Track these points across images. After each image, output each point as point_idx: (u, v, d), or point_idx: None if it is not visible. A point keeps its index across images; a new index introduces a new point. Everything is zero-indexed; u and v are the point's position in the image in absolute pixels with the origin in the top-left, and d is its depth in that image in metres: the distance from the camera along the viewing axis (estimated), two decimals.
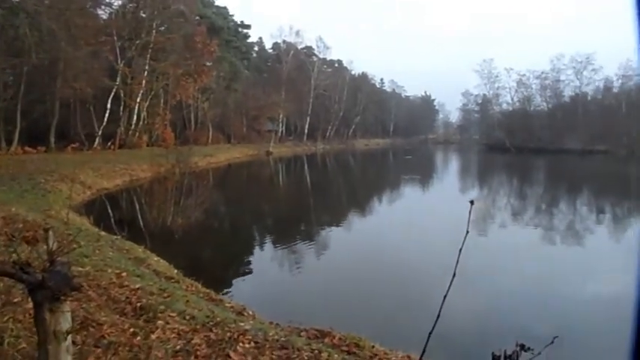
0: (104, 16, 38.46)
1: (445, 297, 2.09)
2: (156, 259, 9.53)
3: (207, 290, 7.84)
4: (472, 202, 2.15)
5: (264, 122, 64.51)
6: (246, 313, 6.78)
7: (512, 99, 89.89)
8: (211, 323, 5.34)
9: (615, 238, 17.97)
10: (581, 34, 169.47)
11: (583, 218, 22.11)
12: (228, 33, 58.32)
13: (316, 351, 4.95)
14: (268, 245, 15.18)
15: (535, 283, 11.59)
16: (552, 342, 2.28)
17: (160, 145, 38.80)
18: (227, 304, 7.12)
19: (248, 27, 66.23)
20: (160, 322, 5.04)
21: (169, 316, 5.30)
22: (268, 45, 79.88)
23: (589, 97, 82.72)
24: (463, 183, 38.71)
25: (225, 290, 9.62)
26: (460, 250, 2.16)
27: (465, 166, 60.12)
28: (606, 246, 16.54)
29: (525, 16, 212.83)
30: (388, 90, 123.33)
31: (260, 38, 79.56)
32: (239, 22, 64.24)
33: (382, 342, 6.23)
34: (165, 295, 6.29)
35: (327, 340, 5.79)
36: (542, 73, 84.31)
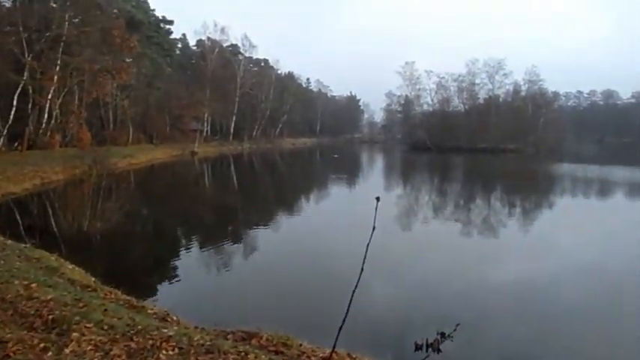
0: (7, 4, 35.64)
1: (353, 292, 2.13)
2: (70, 267, 8.96)
3: (128, 297, 7.49)
4: (378, 199, 2.21)
5: (189, 121, 62.74)
6: (170, 319, 6.57)
7: (432, 100, 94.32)
8: (132, 332, 5.10)
9: (524, 230, 19.33)
10: (494, 38, 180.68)
11: (497, 212, 23.58)
12: (149, 28, 56.08)
13: (243, 353, 4.89)
14: (195, 248, 14.75)
15: (453, 272, 12.31)
16: (455, 329, 2.38)
17: (75, 146, 36.64)
18: (150, 311, 6.84)
19: (170, 22, 64.13)
20: (74, 334, 4.73)
21: (85, 327, 4.99)
22: (192, 42, 77.96)
23: (501, 100, 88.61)
24: (388, 181, 39.83)
25: (149, 296, 9.27)
26: (367, 245, 2.22)
27: (389, 164, 61.91)
28: (517, 237, 17.79)
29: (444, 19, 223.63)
30: (314, 90, 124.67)
31: (183, 35, 77.38)
32: (161, 17, 61.98)
33: (310, 339, 6.28)
34: (81, 305, 5.91)
35: (254, 341, 5.76)
36: (459, 76, 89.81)
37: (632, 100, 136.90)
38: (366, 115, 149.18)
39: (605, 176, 40.94)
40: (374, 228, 2.09)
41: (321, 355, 5.62)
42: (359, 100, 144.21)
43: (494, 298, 10.37)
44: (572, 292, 10.78)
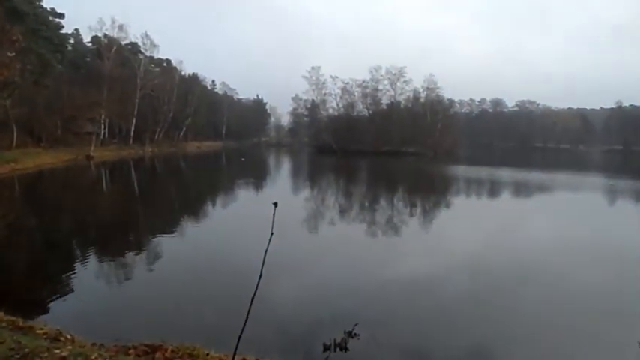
0: None
1: (252, 299, 2.05)
2: None
3: (13, 318, 6.71)
4: (275, 205, 2.16)
5: (84, 124, 58.57)
6: (63, 338, 5.98)
7: (337, 105, 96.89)
8: (17, 356, 4.58)
9: (424, 229, 20.41)
10: (394, 47, 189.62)
11: (399, 212, 24.66)
12: (35, 21, 51.28)
13: None
14: (92, 259, 13.67)
15: (359, 272, 12.74)
16: (353, 329, 2.38)
17: None
18: (39, 331, 6.18)
19: (61, 16, 59.14)
20: None
21: None
22: (87, 38, 72.73)
23: (402, 105, 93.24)
24: (295, 184, 40.09)
25: (39, 315, 8.46)
26: (265, 252, 2.15)
27: (296, 167, 62.40)
28: (417, 235, 18.72)
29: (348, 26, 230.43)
30: (220, 92, 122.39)
31: (76, 30, 72.01)
32: (49, 10, 57.00)
33: (217, 348, 6.13)
34: None
35: (158, 354, 5.47)
36: (363, 81, 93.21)
37: (516, 108, 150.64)
38: (272, 119, 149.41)
39: (495, 177, 44.60)
40: (272, 234, 2.02)
41: None
42: (266, 104, 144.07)
43: (395, 293, 10.82)
44: (460, 285, 11.64)
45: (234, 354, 2.07)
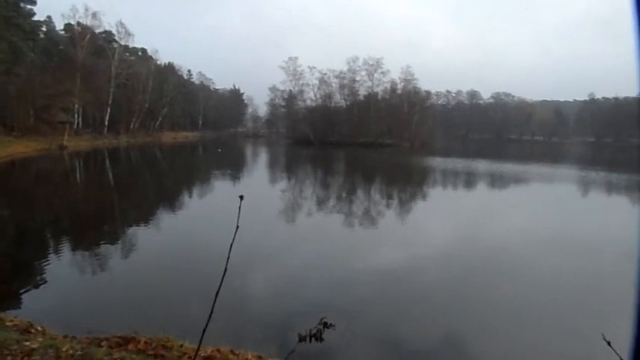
0: None
1: (217, 293, 2.11)
2: None
3: None
4: (242, 197, 2.21)
5: (57, 113, 57.25)
6: (34, 330, 5.96)
7: (315, 95, 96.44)
8: None
9: (400, 220, 20.70)
10: (371, 42, 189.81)
11: (376, 203, 24.90)
12: (6, 7, 49.73)
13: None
14: (66, 250, 13.50)
15: (335, 261, 12.85)
16: (320, 321, 2.44)
17: None
18: (9, 323, 6.14)
19: (33, 2, 57.36)
20: None
21: None
22: (59, 26, 70.82)
23: (379, 97, 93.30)
24: (272, 175, 40.09)
25: (9, 307, 8.35)
26: (230, 245, 2.21)
27: (273, 158, 62.25)
28: (393, 226, 18.96)
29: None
30: (196, 82, 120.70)
31: (49, 17, 70.00)
32: None
33: (192, 339, 6.10)
34: None
35: (131, 346, 5.47)
36: (341, 72, 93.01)
37: (492, 101, 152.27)
38: (250, 110, 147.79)
39: (470, 169, 45.21)
40: (237, 227, 2.08)
41: (202, 354, 5.50)
42: (243, 94, 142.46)
43: (371, 284, 11.00)
44: (434, 275, 11.96)
45: (198, 349, 2.14)
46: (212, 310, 2.06)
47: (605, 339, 1.82)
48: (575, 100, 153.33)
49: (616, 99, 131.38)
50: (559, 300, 10.17)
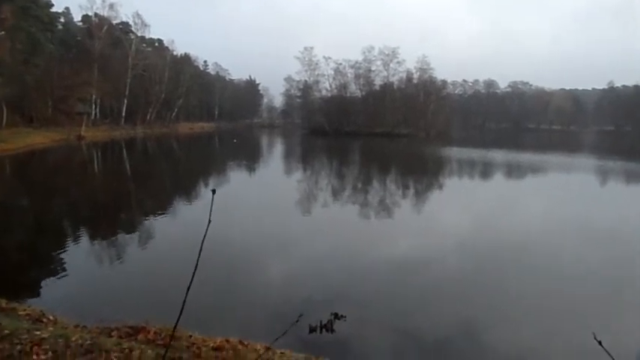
0: None
1: (188, 289, 2.07)
2: None
3: None
4: (214, 191, 2.17)
5: (75, 103, 57.94)
6: (45, 319, 6.04)
7: (330, 86, 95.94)
8: None
9: (417, 209, 20.56)
10: (387, 31, 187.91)
11: (392, 194, 24.76)
12: None
13: (127, 350, 4.64)
14: (84, 239, 13.72)
15: (350, 253, 12.79)
16: (297, 320, 2.42)
17: None
18: (21, 312, 6.24)
19: None
20: None
21: None
22: (77, 17, 71.52)
23: (395, 86, 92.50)
24: (288, 166, 40.10)
25: (26, 296, 8.49)
26: (202, 241, 2.16)
27: (289, 149, 62.27)
28: (410, 217, 18.84)
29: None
30: (212, 73, 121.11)
31: (67, 9, 70.69)
32: None
33: (202, 329, 6.22)
34: None
35: (141, 336, 5.50)
36: (356, 62, 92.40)
37: (509, 90, 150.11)
38: (265, 100, 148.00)
39: (487, 159, 44.69)
40: (209, 222, 2.04)
41: (211, 344, 5.54)
42: (258, 85, 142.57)
43: (385, 274, 10.93)
44: (449, 266, 11.83)
45: (173, 333, 2.13)
46: (182, 307, 2.04)
47: (595, 338, 1.78)
48: (593, 88, 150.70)
49: (636, 87, 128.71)
50: (580, 291, 10.04)
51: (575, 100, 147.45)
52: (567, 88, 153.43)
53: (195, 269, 2.09)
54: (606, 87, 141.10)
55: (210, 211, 2.11)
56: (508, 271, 11.56)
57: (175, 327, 2.21)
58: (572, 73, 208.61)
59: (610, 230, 16.05)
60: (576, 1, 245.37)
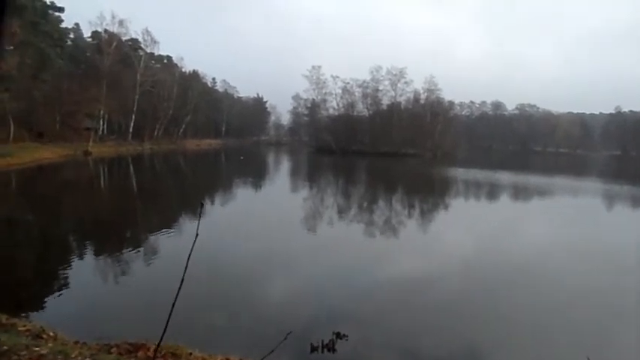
0: None
1: (174, 305, 1.94)
2: None
3: None
4: (202, 205, 2.02)
5: (83, 119, 58.30)
6: (45, 336, 5.92)
7: (337, 104, 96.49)
8: None
9: (421, 230, 20.37)
10: (394, 52, 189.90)
11: (397, 213, 24.54)
12: (34, 14, 50.88)
13: None
14: (88, 256, 13.56)
15: (354, 271, 12.65)
16: (285, 338, 2.33)
17: None
18: (21, 328, 6.10)
19: (61, 10, 58.70)
20: None
21: None
22: (87, 33, 72.37)
23: (402, 106, 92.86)
24: (294, 184, 40.02)
25: (28, 312, 8.36)
26: (189, 255, 2.02)
27: (295, 167, 62.36)
28: (415, 237, 18.60)
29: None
30: (220, 90, 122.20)
31: (77, 25, 71.58)
32: (49, 3, 56.63)
33: (202, 348, 6.14)
34: None
35: (140, 353, 5.42)
36: (364, 82, 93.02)
37: (516, 112, 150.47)
38: (272, 118, 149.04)
39: (493, 180, 44.49)
40: (197, 235, 1.89)
41: None
42: (266, 102, 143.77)
43: (388, 295, 10.77)
44: (452, 288, 11.64)
45: (157, 347, 1.96)
46: (167, 323, 1.91)
47: None
48: (600, 112, 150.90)
49: None
50: (580, 317, 9.78)
51: (582, 123, 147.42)
52: (575, 111, 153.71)
53: (180, 284, 1.98)
54: (613, 111, 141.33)
55: (198, 223, 1.97)
56: (511, 294, 11.37)
57: (160, 342, 2.07)
58: (579, 96, 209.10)
59: (617, 256, 15.77)
60: (584, 26, 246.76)
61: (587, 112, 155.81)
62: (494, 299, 10.84)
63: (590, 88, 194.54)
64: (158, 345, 2.04)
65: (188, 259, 1.84)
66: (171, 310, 1.86)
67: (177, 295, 1.85)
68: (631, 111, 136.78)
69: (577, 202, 31.95)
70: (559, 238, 18.90)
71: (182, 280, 1.87)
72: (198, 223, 1.84)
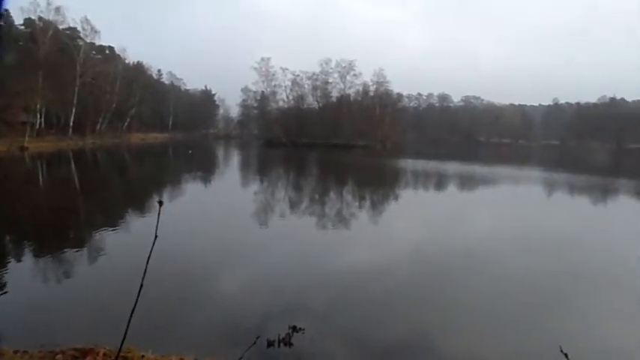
0: None
1: (133, 310, 1.83)
2: None
3: None
4: (161, 203, 1.93)
5: (17, 112, 55.09)
6: None
7: (287, 97, 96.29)
8: None
9: (371, 220, 20.66)
10: (343, 44, 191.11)
11: (349, 205, 24.72)
12: None
13: None
14: (27, 257, 12.77)
15: (307, 264, 12.64)
16: (255, 342, 2.26)
17: None
18: None
19: None
20: None
21: None
22: (18, 20, 68.17)
23: (352, 99, 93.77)
24: (245, 177, 39.62)
25: None
26: (148, 258, 1.93)
27: (246, 160, 61.71)
28: (366, 228, 18.79)
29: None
30: (167, 82, 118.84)
31: (6, 11, 67.13)
32: None
33: (155, 349, 5.95)
34: None
35: (88, 358, 5.17)
36: (313, 74, 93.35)
37: (462, 104, 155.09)
38: (221, 111, 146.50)
39: (440, 170, 45.87)
40: (156, 237, 1.78)
41: None
42: (214, 95, 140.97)
43: (342, 286, 10.74)
44: (403, 276, 11.83)
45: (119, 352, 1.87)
46: (126, 329, 1.79)
47: (562, 351, 1.76)
48: (540, 104, 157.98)
49: (578, 104, 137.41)
50: (525, 300, 10.15)
51: (523, 114, 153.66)
52: (516, 103, 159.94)
53: (140, 288, 1.85)
54: (552, 103, 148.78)
55: (157, 224, 1.83)
56: (459, 279, 11.64)
57: (120, 349, 1.94)
58: (520, 89, 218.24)
59: (558, 240, 16.55)
60: (525, 23, 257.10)
61: (528, 104, 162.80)
62: (444, 286, 11.07)
63: (531, 81, 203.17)
64: (119, 352, 1.93)
65: (147, 261, 1.70)
66: (131, 315, 1.73)
67: (137, 299, 1.72)
68: (567, 103, 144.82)
69: (520, 190, 33.44)
70: (504, 225, 19.63)
71: (141, 284, 1.75)
72: (157, 224, 1.69)
